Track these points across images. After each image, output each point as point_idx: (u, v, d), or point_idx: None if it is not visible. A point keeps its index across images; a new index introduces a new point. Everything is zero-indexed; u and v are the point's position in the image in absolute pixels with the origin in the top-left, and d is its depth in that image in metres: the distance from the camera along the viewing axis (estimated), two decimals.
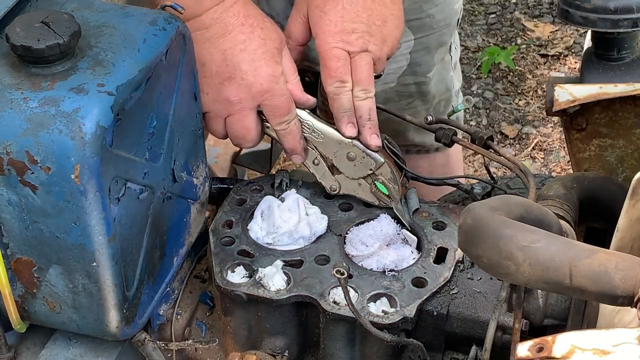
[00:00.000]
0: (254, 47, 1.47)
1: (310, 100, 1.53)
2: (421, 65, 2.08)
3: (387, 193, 1.53)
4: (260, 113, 1.51)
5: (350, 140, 1.52)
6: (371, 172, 1.53)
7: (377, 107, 1.67)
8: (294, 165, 3.28)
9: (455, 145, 1.61)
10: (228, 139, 1.57)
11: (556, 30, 3.87)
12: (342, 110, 1.51)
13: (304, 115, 1.52)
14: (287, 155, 1.56)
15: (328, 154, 1.54)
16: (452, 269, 1.44)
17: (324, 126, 1.53)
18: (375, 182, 1.53)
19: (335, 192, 1.56)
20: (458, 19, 2.13)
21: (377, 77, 1.54)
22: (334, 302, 1.40)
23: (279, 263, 1.44)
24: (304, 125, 1.53)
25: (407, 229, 1.51)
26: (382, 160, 1.52)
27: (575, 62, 3.71)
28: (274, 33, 1.50)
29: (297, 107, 1.52)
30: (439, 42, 2.08)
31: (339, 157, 1.53)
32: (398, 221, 1.53)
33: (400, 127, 1.97)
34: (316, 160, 1.55)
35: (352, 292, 1.39)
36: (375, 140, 1.51)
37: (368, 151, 1.52)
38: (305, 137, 1.53)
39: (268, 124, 1.52)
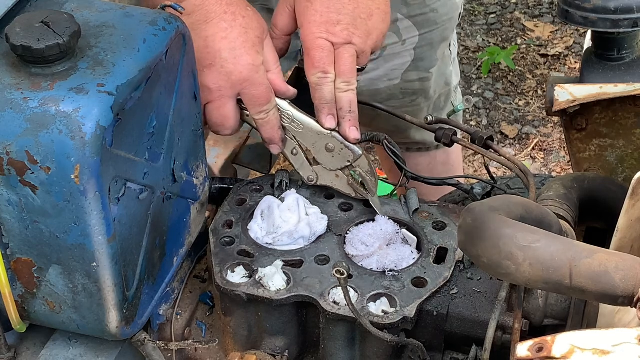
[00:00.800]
0: (235, 36, 1.47)
1: (291, 90, 1.53)
2: (424, 61, 2.08)
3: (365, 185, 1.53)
4: (239, 101, 1.51)
5: (329, 132, 1.52)
6: (349, 163, 1.53)
7: (378, 107, 1.67)
8: None
9: None
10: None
11: (556, 30, 3.87)
12: (323, 101, 1.51)
13: (284, 105, 1.53)
14: (265, 145, 1.56)
15: (307, 144, 1.54)
16: (452, 269, 1.44)
17: (303, 117, 1.53)
18: (352, 172, 1.53)
19: (313, 183, 1.56)
20: (460, 13, 2.13)
21: (360, 70, 1.54)
22: (334, 302, 1.40)
23: (279, 263, 1.44)
24: (284, 115, 1.53)
25: (380, 220, 1.51)
26: (360, 152, 1.52)
27: (575, 62, 3.71)
28: (256, 22, 1.50)
29: (277, 97, 1.52)
30: (442, 37, 2.09)
31: (318, 147, 1.54)
32: (397, 221, 1.52)
33: (401, 124, 1.98)
34: (295, 151, 1.55)
35: (352, 292, 1.39)
36: (354, 133, 1.52)
37: (346, 143, 1.52)
38: (284, 127, 1.53)
39: (247, 112, 1.52)
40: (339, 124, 1.52)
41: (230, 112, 1.51)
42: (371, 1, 1.54)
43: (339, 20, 1.50)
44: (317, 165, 1.55)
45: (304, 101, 1.55)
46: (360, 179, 1.53)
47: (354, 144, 1.52)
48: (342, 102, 1.51)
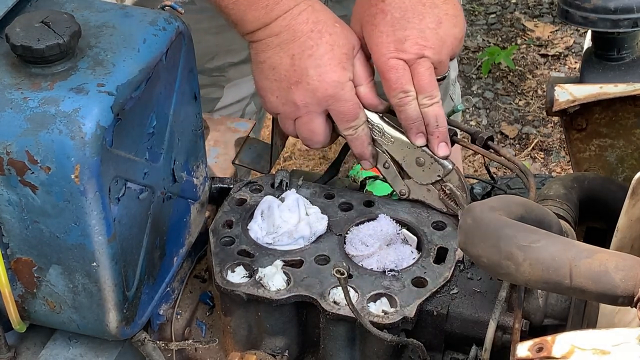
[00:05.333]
0: (321, 53, 1.47)
1: (383, 104, 1.52)
2: None
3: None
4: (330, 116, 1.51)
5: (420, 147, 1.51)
6: (439, 178, 1.51)
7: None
8: (294, 165, 3.29)
9: None
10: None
11: (556, 30, 3.87)
12: (409, 120, 1.49)
13: (375, 118, 1.52)
14: (357, 160, 1.55)
15: (397, 158, 1.53)
16: (452, 269, 1.44)
17: (393, 131, 1.52)
18: (443, 187, 1.51)
19: (405, 197, 1.55)
20: None
21: (440, 79, 1.52)
22: (334, 302, 1.40)
23: (279, 263, 1.44)
24: (374, 129, 1.52)
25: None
26: (451, 167, 1.50)
27: (575, 62, 3.72)
28: (344, 39, 1.49)
29: (368, 110, 1.51)
30: None
31: (408, 161, 1.52)
32: (398, 221, 1.52)
33: None
34: (386, 164, 1.54)
35: (352, 292, 1.39)
36: (443, 149, 1.50)
37: (436, 157, 1.50)
38: (375, 140, 1.53)
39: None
40: (427, 140, 1.50)
41: (319, 128, 1.51)
42: (437, 9, 1.50)
43: (405, 36, 1.47)
44: (408, 179, 1.54)
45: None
46: (451, 194, 1.51)
47: (444, 158, 1.50)
48: (428, 117, 1.48)
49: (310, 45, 1.47)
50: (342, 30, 1.50)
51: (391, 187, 1.56)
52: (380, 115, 1.53)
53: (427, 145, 1.51)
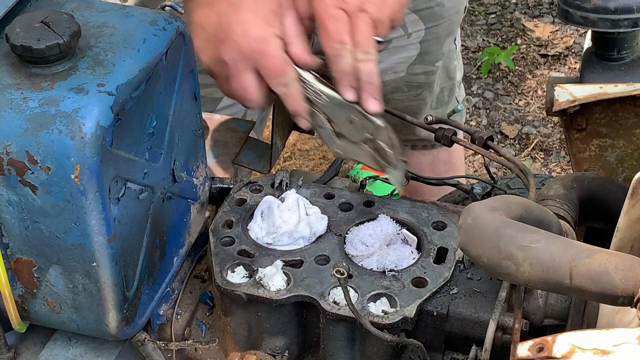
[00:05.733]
0: (244, 9, 1.46)
1: (316, 61, 1.49)
2: (430, 54, 2.07)
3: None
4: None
5: (351, 104, 1.48)
6: (370, 136, 1.49)
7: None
8: (294, 165, 3.29)
9: None
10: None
11: (556, 30, 3.87)
12: (341, 73, 1.47)
13: (308, 77, 1.49)
14: (294, 119, 1.53)
15: (331, 116, 1.50)
16: (452, 269, 1.44)
17: (326, 89, 1.49)
18: (375, 144, 1.48)
19: (340, 156, 1.54)
20: (465, 7, 2.13)
21: (380, 42, 1.49)
22: (334, 302, 1.40)
23: (279, 263, 1.44)
24: (308, 88, 1.49)
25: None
26: (381, 124, 1.47)
27: (575, 62, 3.72)
28: None
29: (301, 68, 1.48)
30: (448, 31, 2.09)
31: (341, 119, 1.50)
32: (398, 221, 1.52)
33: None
34: (321, 123, 1.52)
35: (352, 292, 1.39)
36: (373, 104, 1.46)
37: (367, 114, 1.47)
38: (310, 99, 1.50)
39: None
40: (359, 96, 1.47)
41: (250, 85, 1.49)
42: None
43: None
44: (343, 138, 1.51)
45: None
46: (381, 151, 1.48)
47: (375, 115, 1.47)
48: (361, 72, 1.46)
49: (235, 2, 1.46)
50: None
51: (327, 146, 1.53)
52: (315, 74, 1.50)
53: (358, 102, 1.48)
